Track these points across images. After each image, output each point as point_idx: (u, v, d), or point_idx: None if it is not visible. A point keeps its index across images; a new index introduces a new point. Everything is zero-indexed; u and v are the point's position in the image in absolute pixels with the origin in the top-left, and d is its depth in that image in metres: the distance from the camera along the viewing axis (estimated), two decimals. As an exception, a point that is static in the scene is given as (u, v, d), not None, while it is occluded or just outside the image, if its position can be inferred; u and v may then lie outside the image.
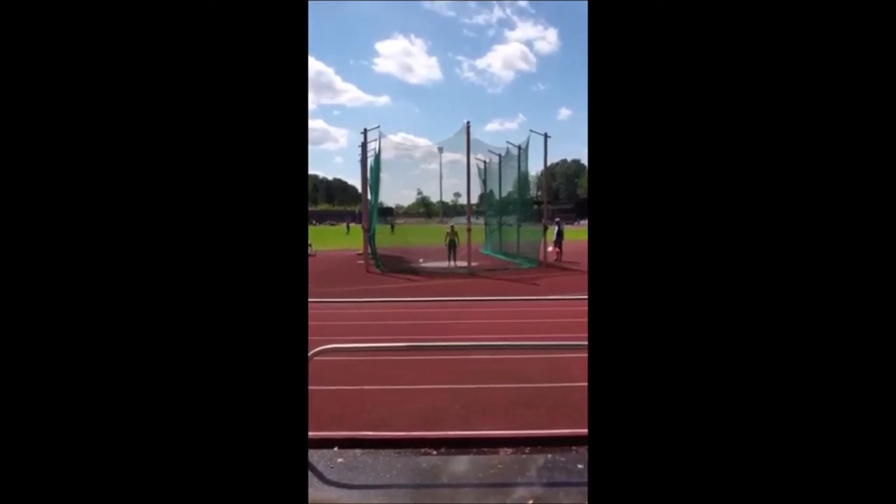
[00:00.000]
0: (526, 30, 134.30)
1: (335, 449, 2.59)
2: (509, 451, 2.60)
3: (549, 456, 2.54)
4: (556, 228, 14.13)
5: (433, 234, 14.14)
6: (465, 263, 11.91)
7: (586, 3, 1.25)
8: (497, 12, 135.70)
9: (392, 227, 22.35)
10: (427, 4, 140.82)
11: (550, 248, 13.47)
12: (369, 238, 12.10)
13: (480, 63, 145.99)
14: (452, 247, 12.54)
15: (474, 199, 15.06)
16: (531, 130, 13.52)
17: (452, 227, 13.27)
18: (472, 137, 11.54)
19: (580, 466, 2.42)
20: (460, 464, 2.51)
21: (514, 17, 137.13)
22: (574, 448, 2.58)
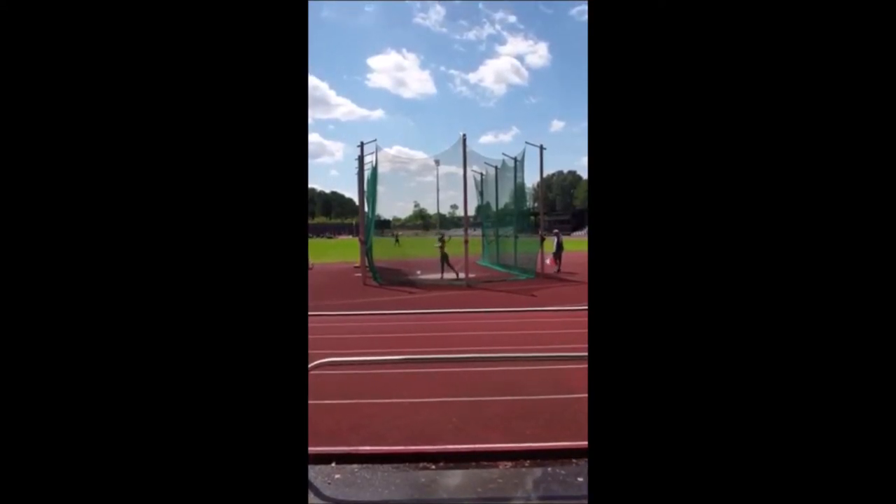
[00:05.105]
0: (517, 44, 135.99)
1: (332, 464, 2.56)
2: (508, 464, 2.57)
3: (549, 469, 2.51)
4: (556, 240, 14.14)
5: (431, 246, 14.14)
6: (453, 275, 11.90)
7: (574, 16, 1.27)
8: (487, 28, 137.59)
9: (397, 238, 22.52)
10: (419, 20, 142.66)
11: (549, 260, 13.48)
12: (366, 251, 12.09)
13: (473, 77, 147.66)
14: (445, 259, 12.44)
15: (471, 211, 15.08)
16: (527, 142, 13.57)
17: (441, 237, 13.19)
18: (467, 150, 11.59)
19: (580, 479, 2.39)
20: (459, 478, 2.48)
21: (504, 33, 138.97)
22: (574, 460, 2.56)
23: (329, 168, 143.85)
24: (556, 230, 16.51)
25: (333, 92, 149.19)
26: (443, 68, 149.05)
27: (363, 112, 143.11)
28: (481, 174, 16.55)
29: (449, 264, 12.28)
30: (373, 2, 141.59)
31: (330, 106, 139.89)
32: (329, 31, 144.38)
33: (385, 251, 16.15)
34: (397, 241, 21.55)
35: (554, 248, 13.88)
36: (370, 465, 2.56)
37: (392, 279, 12.17)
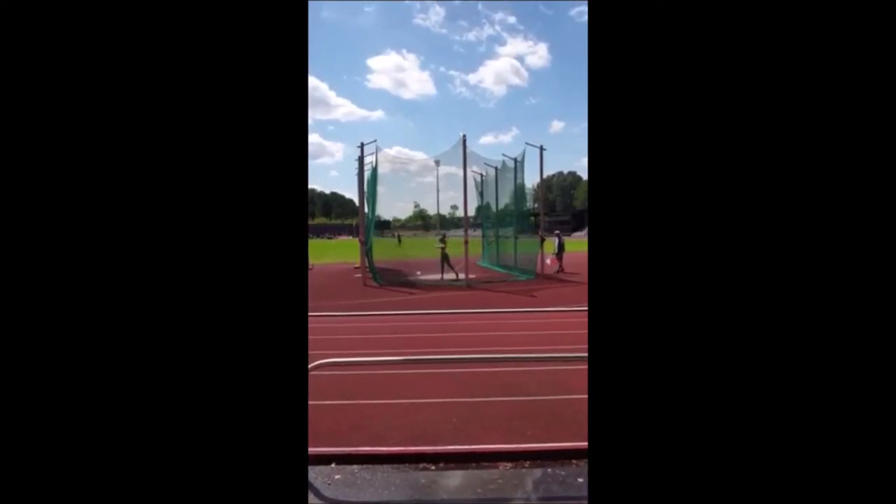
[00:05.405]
0: (516, 45, 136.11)
1: (332, 465, 2.56)
2: (508, 465, 2.57)
3: (549, 470, 2.51)
4: (557, 241, 14.16)
5: (432, 246, 14.12)
6: (453, 276, 11.90)
7: (574, 16, 1.27)
8: (487, 29, 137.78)
9: (399, 239, 22.65)
10: (418, 21, 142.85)
11: (549, 261, 13.49)
12: (366, 251, 12.08)
13: (473, 78, 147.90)
14: (445, 259, 12.44)
15: (471, 212, 15.07)
16: (527, 143, 13.56)
17: (443, 237, 13.18)
18: (467, 150, 11.59)
19: (580, 480, 2.39)
20: (459, 478, 2.48)
21: (504, 34, 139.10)
22: (574, 461, 2.56)
23: (329, 169, 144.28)
24: (557, 231, 16.52)
25: (333, 92, 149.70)
26: (443, 69, 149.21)
27: (363, 113, 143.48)
28: (481, 175, 16.57)
29: (449, 264, 12.27)
30: (372, 2, 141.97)
31: (330, 106, 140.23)
32: (329, 31, 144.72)
33: (386, 252, 16.15)
34: (400, 242, 21.66)
35: (555, 249, 13.90)
36: (370, 466, 2.56)
37: (392, 280, 12.17)
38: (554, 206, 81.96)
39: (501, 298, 9.09)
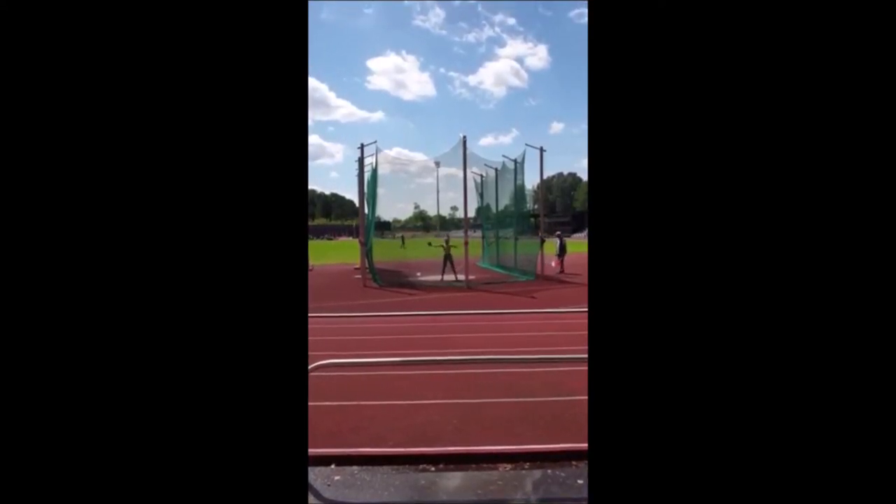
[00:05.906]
0: (516, 46, 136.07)
1: (332, 466, 2.56)
2: (508, 466, 2.57)
3: (549, 471, 2.51)
4: (559, 242, 14.17)
5: (433, 247, 14.09)
6: (453, 277, 11.89)
7: (573, 18, 1.27)
8: (487, 30, 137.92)
9: (403, 240, 22.62)
10: (418, 22, 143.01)
11: (553, 262, 13.51)
12: (366, 252, 12.08)
13: (472, 79, 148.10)
14: (448, 259, 12.42)
15: (471, 213, 15.06)
16: (527, 144, 13.55)
17: (447, 239, 13.18)
18: (467, 151, 11.58)
19: (580, 482, 2.39)
20: (459, 480, 2.48)
21: (504, 35, 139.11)
22: (574, 463, 2.56)
23: (329, 170, 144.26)
24: (558, 232, 16.53)
25: (333, 94, 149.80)
26: (442, 70, 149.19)
27: (363, 114, 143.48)
28: (481, 176, 16.57)
29: (451, 265, 12.26)
30: (372, 3, 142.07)
31: (330, 108, 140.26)
32: (329, 32, 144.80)
33: (387, 253, 16.14)
34: (403, 243, 21.66)
35: (557, 250, 13.92)
36: (370, 467, 2.55)
37: (392, 281, 12.16)
38: (554, 207, 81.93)
39: (501, 299, 9.09)
